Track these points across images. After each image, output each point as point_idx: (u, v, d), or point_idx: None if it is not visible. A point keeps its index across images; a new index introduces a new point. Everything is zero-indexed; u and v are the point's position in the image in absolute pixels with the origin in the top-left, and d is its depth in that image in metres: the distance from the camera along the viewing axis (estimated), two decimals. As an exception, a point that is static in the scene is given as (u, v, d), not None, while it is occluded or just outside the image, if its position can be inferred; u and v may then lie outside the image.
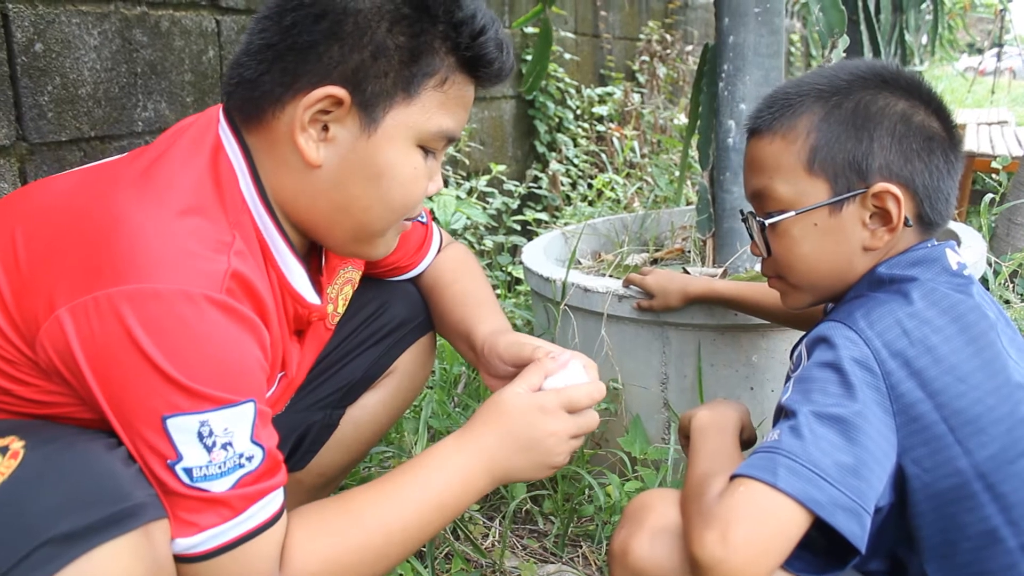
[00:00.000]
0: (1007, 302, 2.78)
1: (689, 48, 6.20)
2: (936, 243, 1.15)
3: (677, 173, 3.26)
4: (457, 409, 2.14)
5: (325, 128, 1.03)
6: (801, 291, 1.19)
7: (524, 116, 4.26)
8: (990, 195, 3.52)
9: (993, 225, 3.48)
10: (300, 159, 1.03)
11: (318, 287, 1.19)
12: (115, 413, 0.91)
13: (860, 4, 3.06)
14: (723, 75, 2.27)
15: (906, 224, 1.11)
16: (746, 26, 2.22)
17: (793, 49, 10.08)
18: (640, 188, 4.08)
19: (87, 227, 0.93)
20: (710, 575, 0.91)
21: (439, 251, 1.54)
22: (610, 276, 2.26)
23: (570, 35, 4.72)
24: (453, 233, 2.93)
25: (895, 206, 1.09)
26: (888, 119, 1.11)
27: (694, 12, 6.90)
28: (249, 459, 0.94)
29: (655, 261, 2.56)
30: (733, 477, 0.96)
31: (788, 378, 1.10)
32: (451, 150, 3.26)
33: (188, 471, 0.90)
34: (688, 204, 3.13)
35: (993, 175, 4.02)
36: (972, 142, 5.01)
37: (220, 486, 0.92)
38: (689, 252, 2.48)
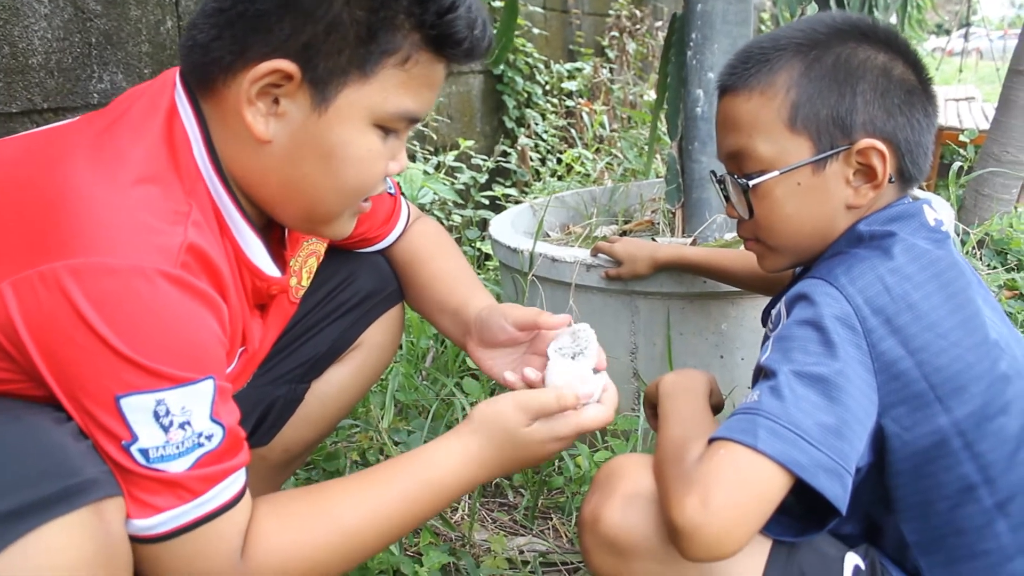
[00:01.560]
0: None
1: (659, 23, 6.17)
2: (912, 200, 1.12)
3: (647, 146, 3.24)
4: (424, 383, 2.11)
5: (276, 101, 0.98)
6: (781, 253, 1.16)
7: (493, 91, 4.22)
8: (958, 164, 3.54)
9: (961, 196, 3.50)
10: (250, 133, 0.98)
11: (280, 260, 1.15)
12: (64, 392, 0.87)
13: (829, -22, 3.04)
14: (691, 44, 2.25)
15: (889, 181, 1.08)
16: (714, -7, 2.20)
17: (763, 27, 10.08)
18: (610, 163, 4.05)
19: (35, 197, 0.89)
20: (690, 541, 0.88)
21: (408, 224, 1.50)
22: (579, 247, 2.24)
23: (539, 10, 4.67)
24: (421, 208, 2.89)
25: (880, 162, 1.06)
26: (870, 72, 1.07)
27: (663, -12, 6.87)
28: (208, 438, 0.90)
29: (624, 233, 2.54)
30: (712, 440, 0.93)
31: (766, 338, 1.07)
32: (419, 125, 3.22)
33: (144, 452, 0.87)
34: (658, 177, 3.11)
35: (961, 149, 4.04)
36: (940, 116, 5.03)
37: (178, 466, 0.88)
38: (658, 224, 2.46)
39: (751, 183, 1.10)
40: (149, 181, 0.92)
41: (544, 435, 1.07)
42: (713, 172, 1.26)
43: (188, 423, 0.89)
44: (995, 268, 2.95)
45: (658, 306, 1.82)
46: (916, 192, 1.19)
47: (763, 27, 10.07)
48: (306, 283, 1.28)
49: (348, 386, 1.50)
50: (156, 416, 0.87)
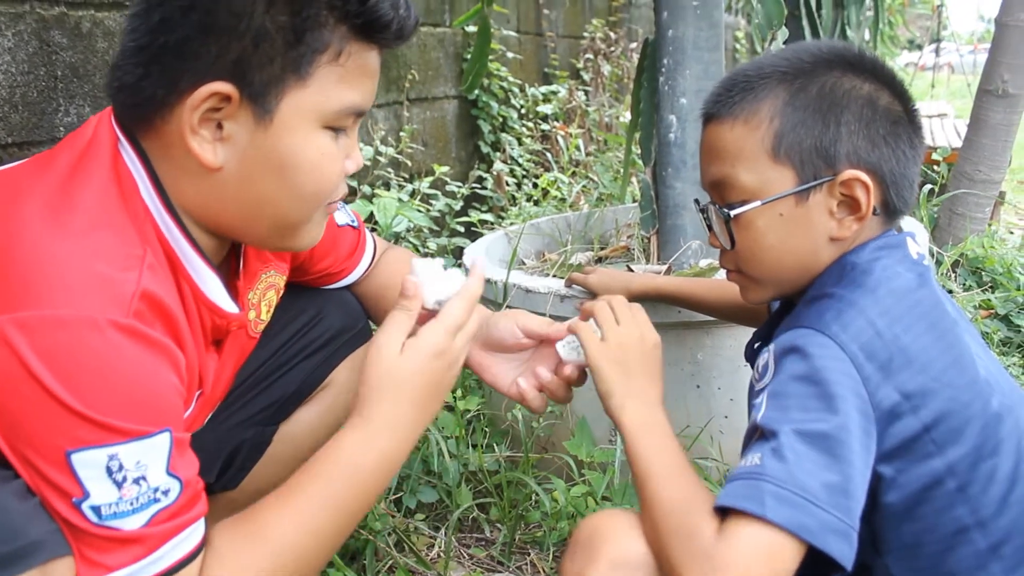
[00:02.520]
0: (950, 292, 2.79)
1: (633, 45, 6.20)
2: (897, 232, 1.11)
3: (621, 170, 3.24)
4: (399, 417, 2.08)
5: (219, 126, 0.96)
6: (763, 285, 1.13)
7: (467, 116, 4.21)
8: (929, 186, 3.55)
9: (935, 216, 3.51)
10: (198, 163, 0.97)
11: (235, 293, 1.13)
12: (10, 446, 0.85)
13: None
14: (663, 70, 2.24)
15: (873, 213, 1.06)
16: (685, 19, 2.20)
17: (738, 46, 10.15)
18: (585, 186, 4.05)
19: None
20: None
21: (375, 256, 1.48)
22: (554, 276, 2.22)
23: (513, 34, 4.68)
24: (396, 237, 2.87)
25: (864, 194, 1.04)
26: (855, 103, 1.06)
27: (638, 10, 6.91)
28: (165, 493, 0.88)
29: (600, 259, 2.53)
30: (718, 508, 0.91)
31: (752, 388, 1.04)
32: (392, 152, 3.20)
33: (96, 509, 0.84)
34: (633, 201, 3.11)
35: (934, 167, 4.06)
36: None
37: (132, 523, 0.86)
38: (634, 250, 2.45)
39: (733, 213, 1.08)
40: (102, 227, 0.91)
41: (423, 356, 1.03)
42: (696, 201, 1.24)
43: (143, 478, 0.86)
44: (971, 288, 2.96)
45: (633, 336, 1.80)
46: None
47: (738, 46, 10.13)
48: (266, 317, 1.25)
49: (317, 427, 1.46)
50: (109, 472, 0.84)
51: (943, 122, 6.00)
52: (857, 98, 1.06)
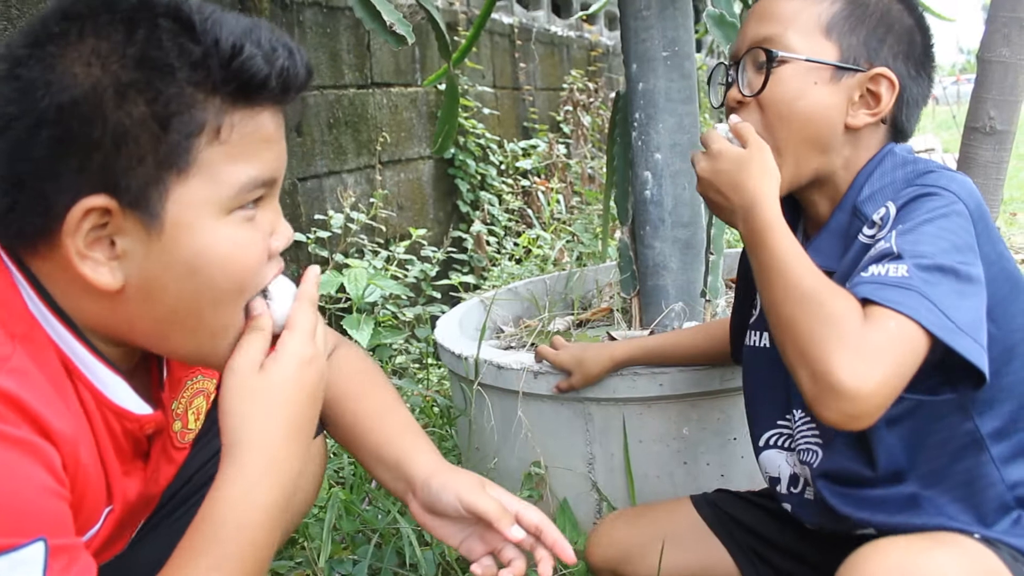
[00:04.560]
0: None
1: (613, 95, 6.15)
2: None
3: (600, 228, 3.13)
4: (368, 509, 1.94)
5: (112, 243, 0.85)
6: (778, 155, 1.15)
7: (444, 176, 4.12)
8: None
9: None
10: (95, 288, 0.85)
11: (160, 403, 1.02)
12: None
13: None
14: (635, 124, 2.14)
15: (882, 122, 1.16)
16: (655, 72, 2.11)
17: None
18: (568, 242, 3.95)
19: None
20: (850, 403, 0.91)
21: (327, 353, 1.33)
22: (531, 345, 2.10)
23: (488, 89, 4.61)
24: (371, 307, 2.75)
25: (888, 93, 1.14)
26: (901, 26, 1.17)
27: (617, 58, 6.87)
28: None
29: (581, 324, 2.41)
30: (867, 302, 0.96)
31: (866, 249, 1.08)
32: (365, 218, 3.10)
33: None
34: (613, 260, 3.00)
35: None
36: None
37: None
38: (616, 311, 2.33)
39: (780, 54, 1.14)
40: None
41: (291, 374, 0.92)
42: (724, 61, 1.27)
43: None
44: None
45: (613, 412, 1.68)
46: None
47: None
48: (195, 425, 1.13)
49: None
50: None
51: (930, 156, 5.94)
52: (904, 24, 1.18)
